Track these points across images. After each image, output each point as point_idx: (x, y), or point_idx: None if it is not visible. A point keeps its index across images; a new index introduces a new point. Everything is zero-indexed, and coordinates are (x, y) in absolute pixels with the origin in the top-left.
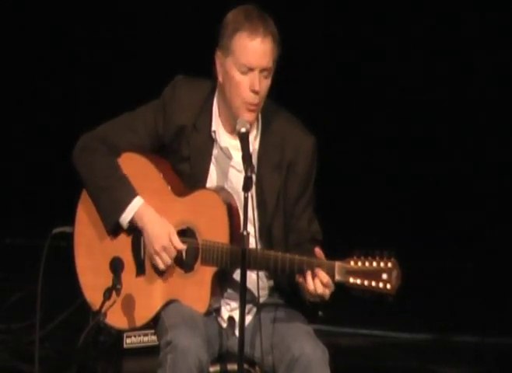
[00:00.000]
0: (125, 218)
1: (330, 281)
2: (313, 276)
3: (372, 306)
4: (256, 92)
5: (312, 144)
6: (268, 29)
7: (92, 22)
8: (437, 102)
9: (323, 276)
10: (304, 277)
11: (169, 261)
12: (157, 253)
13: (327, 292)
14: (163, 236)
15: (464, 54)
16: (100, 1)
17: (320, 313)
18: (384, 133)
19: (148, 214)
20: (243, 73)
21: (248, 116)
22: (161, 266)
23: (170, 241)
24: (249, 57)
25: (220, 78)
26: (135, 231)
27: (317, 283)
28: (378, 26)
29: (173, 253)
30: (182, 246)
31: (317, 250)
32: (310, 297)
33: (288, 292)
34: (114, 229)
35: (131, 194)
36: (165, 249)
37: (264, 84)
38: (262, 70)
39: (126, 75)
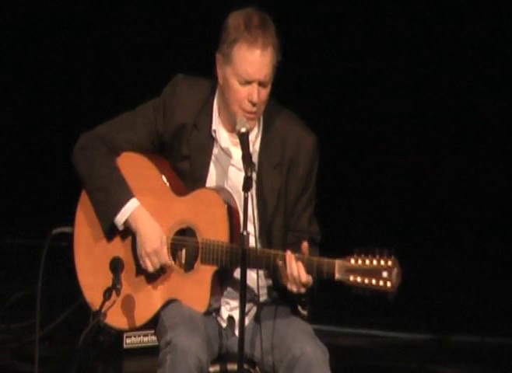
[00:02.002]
0: (120, 219)
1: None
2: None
3: (372, 306)
4: (254, 104)
5: (313, 143)
6: (267, 38)
7: (93, 21)
8: (438, 102)
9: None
10: (284, 262)
11: (158, 265)
12: (147, 255)
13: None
14: (155, 239)
15: (463, 54)
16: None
17: (303, 312)
18: (385, 132)
19: (142, 217)
20: (242, 84)
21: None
22: (150, 268)
23: (161, 248)
24: (248, 69)
25: (220, 81)
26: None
27: (301, 271)
28: (378, 25)
29: (164, 259)
30: (169, 262)
31: (304, 245)
32: (287, 283)
33: (285, 291)
34: (110, 230)
35: (126, 195)
36: (155, 252)
37: (262, 94)
38: (260, 82)
39: (126, 74)
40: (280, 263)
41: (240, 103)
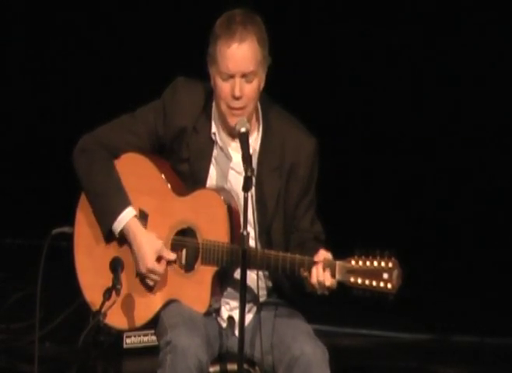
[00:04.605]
0: (117, 228)
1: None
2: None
3: (372, 306)
4: (236, 98)
5: (313, 145)
6: (246, 32)
7: (93, 22)
8: (438, 102)
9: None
10: (309, 271)
11: (158, 279)
12: (144, 274)
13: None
14: (148, 258)
15: (463, 58)
16: (101, 1)
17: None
18: (384, 133)
19: (135, 230)
20: (225, 80)
21: (234, 121)
22: (150, 283)
23: (161, 255)
24: (227, 63)
25: (212, 82)
26: None
27: (326, 275)
28: (378, 27)
29: (161, 272)
30: (173, 257)
31: (323, 252)
32: (313, 289)
33: (287, 291)
34: (110, 235)
35: (123, 204)
36: (151, 271)
37: (247, 88)
38: (243, 75)
39: (126, 76)
40: (305, 274)
41: (225, 101)
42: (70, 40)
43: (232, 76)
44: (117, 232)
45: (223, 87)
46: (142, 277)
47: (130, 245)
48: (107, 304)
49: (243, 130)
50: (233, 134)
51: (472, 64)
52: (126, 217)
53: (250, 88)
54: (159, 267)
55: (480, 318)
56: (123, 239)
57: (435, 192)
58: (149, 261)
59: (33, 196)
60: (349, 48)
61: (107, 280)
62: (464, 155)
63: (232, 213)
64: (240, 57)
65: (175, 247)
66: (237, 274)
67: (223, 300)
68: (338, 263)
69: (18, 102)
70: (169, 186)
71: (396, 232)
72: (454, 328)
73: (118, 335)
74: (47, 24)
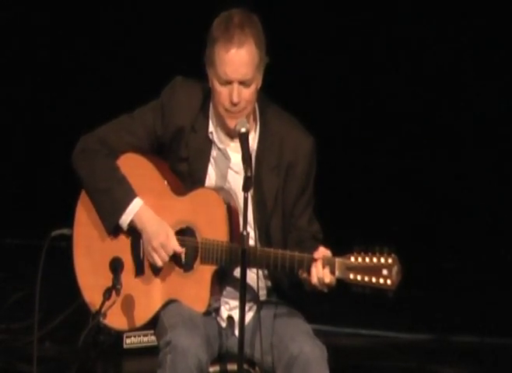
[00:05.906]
0: (125, 220)
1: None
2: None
3: (372, 306)
4: (234, 104)
5: (311, 144)
6: (245, 36)
7: (92, 22)
8: (438, 103)
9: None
10: (309, 272)
11: (166, 258)
12: (155, 250)
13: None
14: (161, 233)
15: (464, 61)
16: (101, 1)
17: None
18: (385, 132)
19: (147, 215)
20: (222, 84)
21: (233, 123)
22: (158, 263)
23: (168, 241)
24: (225, 69)
25: (209, 83)
26: (134, 231)
27: (326, 272)
28: (379, 24)
29: (171, 250)
30: (180, 249)
31: (322, 249)
32: (314, 289)
33: (287, 290)
34: (114, 231)
35: (130, 195)
36: (162, 245)
37: (245, 93)
38: (241, 82)
39: (125, 76)
40: (304, 275)
41: (223, 105)
42: (69, 39)
43: (229, 82)
44: (125, 224)
45: (221, 91)
46: (143, 267)
47: (132, 237)
48: (107, 304)
49: (243, 130)
50: (231, 134)
51: (474, 63)
52: (136, 207)
53: (248, 92)
54: (172, 243)
55: (480, 318)
56: (124, 236)
57: (435, 191)
58: (161, 235)
59: (33, 196)
60: (349, 46)
61: (107, 280)
62: (464, 154)
63: (231, 212)
64: (238, 63)
65: None
66: (237, 273)
67: (223, 299)
68: (337, 259)
69: (18, 103)
70: (168, 186)
71: (396, 232)
72: (454, 328)
73: (118, 335)
74: (46, 24)
